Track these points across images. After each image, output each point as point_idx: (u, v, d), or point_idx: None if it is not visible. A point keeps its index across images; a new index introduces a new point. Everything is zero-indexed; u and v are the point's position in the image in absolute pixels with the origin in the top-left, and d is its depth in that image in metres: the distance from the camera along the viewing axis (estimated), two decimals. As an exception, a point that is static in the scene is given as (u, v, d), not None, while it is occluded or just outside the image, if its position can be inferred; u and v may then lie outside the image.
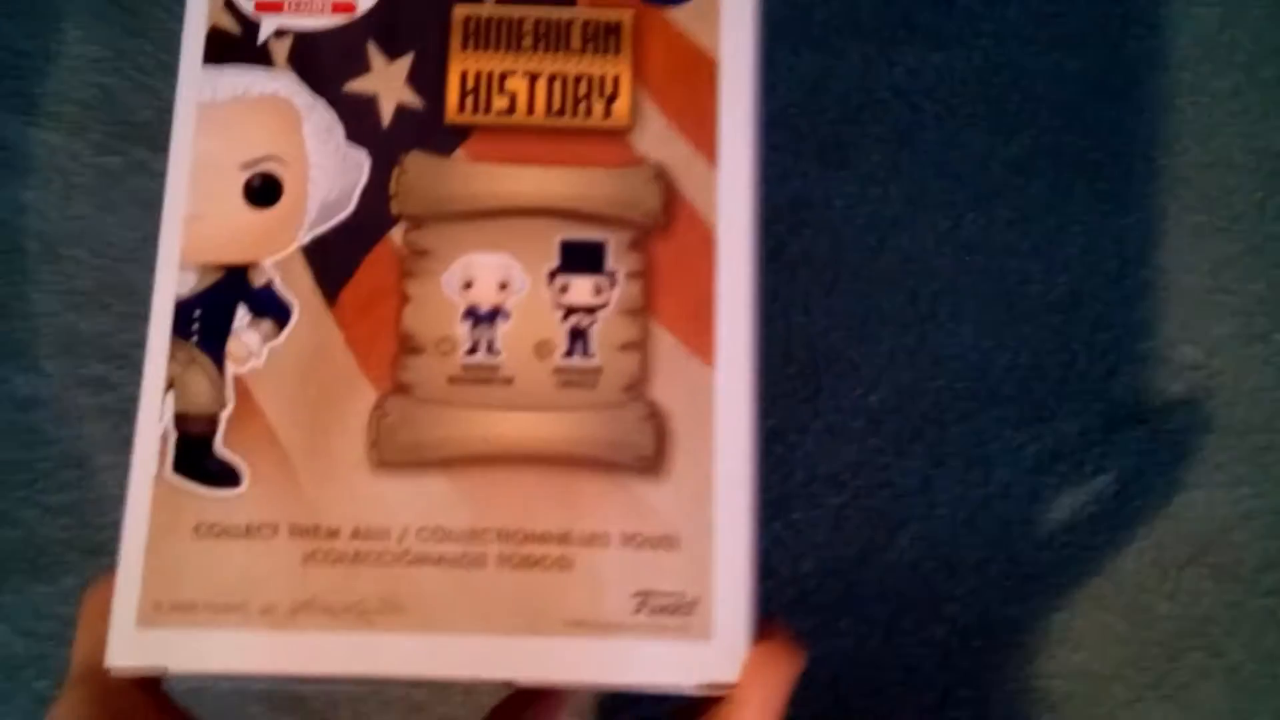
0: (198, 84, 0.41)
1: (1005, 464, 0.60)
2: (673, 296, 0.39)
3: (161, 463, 0.38)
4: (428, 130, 0.40)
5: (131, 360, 0.60)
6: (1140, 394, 0.61)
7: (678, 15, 0.41)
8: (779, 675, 0.37)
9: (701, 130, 0.41)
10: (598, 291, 0.39)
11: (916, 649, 0.58)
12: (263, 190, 0.40)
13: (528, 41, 0.41)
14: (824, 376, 0.60)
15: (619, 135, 0.40)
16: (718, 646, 0.37)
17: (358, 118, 0.40)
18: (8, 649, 0.58)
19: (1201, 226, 0.63)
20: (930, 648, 0.58)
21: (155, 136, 0.63)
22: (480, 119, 0.40)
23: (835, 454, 0.60)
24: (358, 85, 0.41)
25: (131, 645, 0.37)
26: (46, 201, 0.63)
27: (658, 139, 0.40)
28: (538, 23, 0.41)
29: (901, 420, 0.60)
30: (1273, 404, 0.60)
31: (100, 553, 0.58)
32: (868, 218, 0.62)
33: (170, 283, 0.39)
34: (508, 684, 0.39)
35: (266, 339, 0.39)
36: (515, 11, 0.41)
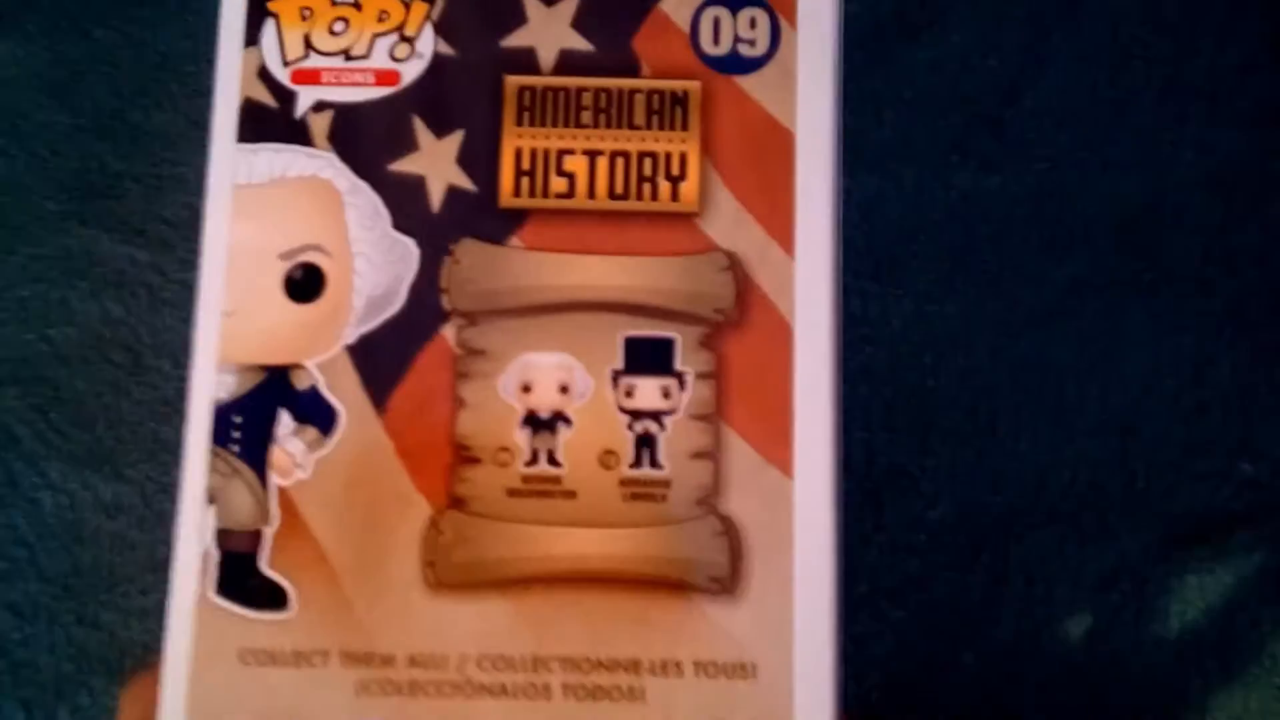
0: (232, 164, 0.39)
1: (1066, 581, 0.61)
2: (747, 400, 0.38)
3: (203, 583, 0.37)
4: (480, 215, 0.38)
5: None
6: (1201, 512, 0.61)
7: (750, 84, 0.39)
8: None
9: (777, 213, 0.38)
10: (666, 395, 0.38)
11: None
12: (304, 283, 0.38)
13: (587, 116, 0.39)
14: (885, 491, 0.61)
15: (687, 220, 0.38)
16: None
17: (405, 202, 0.38)
18: None
19: (1259, 345, 0.64)
20: None
21: None
22: (537, 202, 0.38)
23: (897, 568, 0.61)
24: (404, 165, 0.39)
25: None
26: (134, 315, 0.67)
27: (729, 223, 0.38)
28: (598, 94, 0.39)
29: (962, 536, 0.61)
30: (1334, 520, 0.58)
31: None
32: (924, 336, 0.64)
33: (208, 385, 0.38)
34: None
35: (312, 448, 0.37)
36: (573, 82, 0.39)
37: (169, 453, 0.65)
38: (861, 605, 0.60)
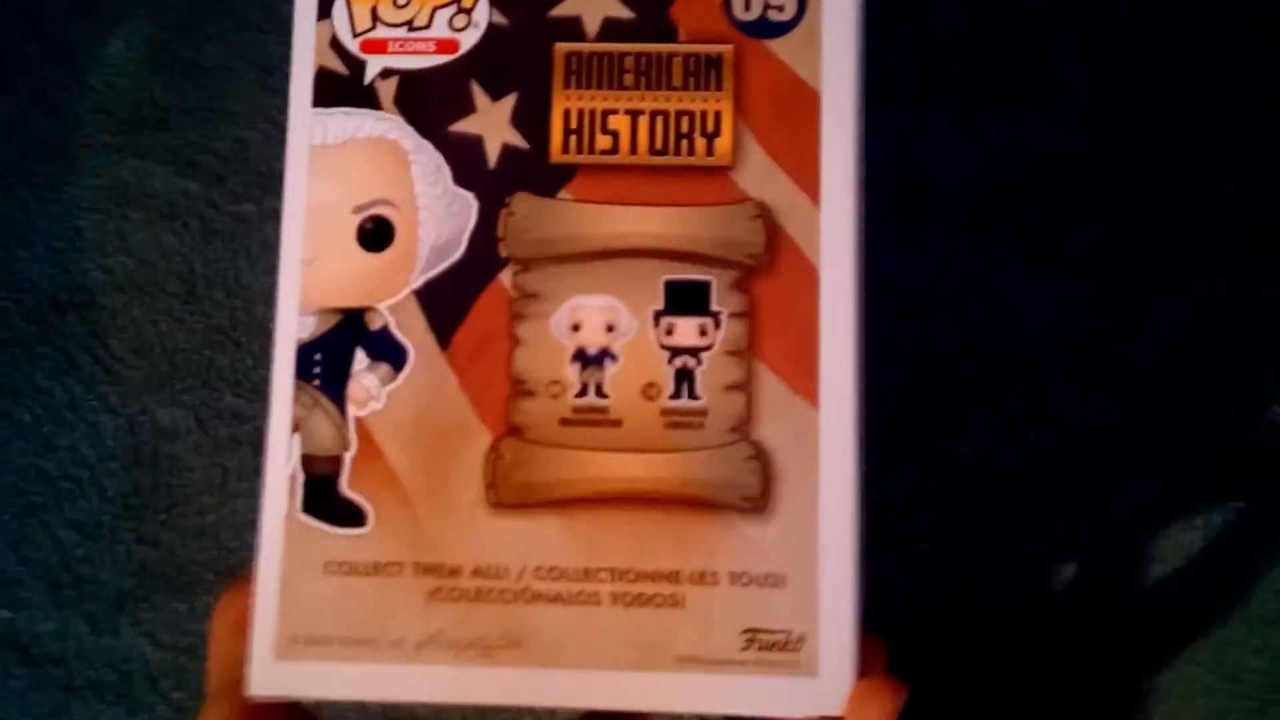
0: (308, 126, 0.43)
1: (1091, 520, 0.62)
2: (776, 337, 0.42)
3: (291, 503, 0.42)
4: (533, 171, 0.42)
5: (262, 394, 0.65)
6: (1228, 454, 0.63)
7: (778, 47, 0.43)
8: (883, 709, 0.39)
9: (804, 166, 0.42)
10: (703, 333, 0.42)
11: (1002, 698, 0.61)
12: (375, 234, 0.42)
13: (629, 78, 0.43)
14: (915, 430, 0.63)
15: (721, 173, 0.42)
16: (823, 682, 0.40)
17: (464, 159, 0.43)
18: (148, 661, 0.64)
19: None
20: (1015, 697, 0.61)
21: None
22: (584, 158, 0.42)
23: (925, 504, 0.63)
24: (463, 126, 0.43)
25: (270, 676, 0.41)
26: (187, 245, 0.68)
27: (760, 175, 0.42)
28: (639, 58, 0.43)
29: (989, 475, 0.63)
30: (1362, 466, 0.59)
31: (234, 573, 0.64)
32: (952, 283, 0.65)
33: (291, 326, 0.42)
34: (623, 714, 0.42)
35: (385, 382, 0.42)
36: (616, 48, 0.43)
37: (223, 379, 0.68)
38: (889, 538, 0.62)
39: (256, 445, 0.64)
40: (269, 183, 0.69)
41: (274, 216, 0.65)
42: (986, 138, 0.68)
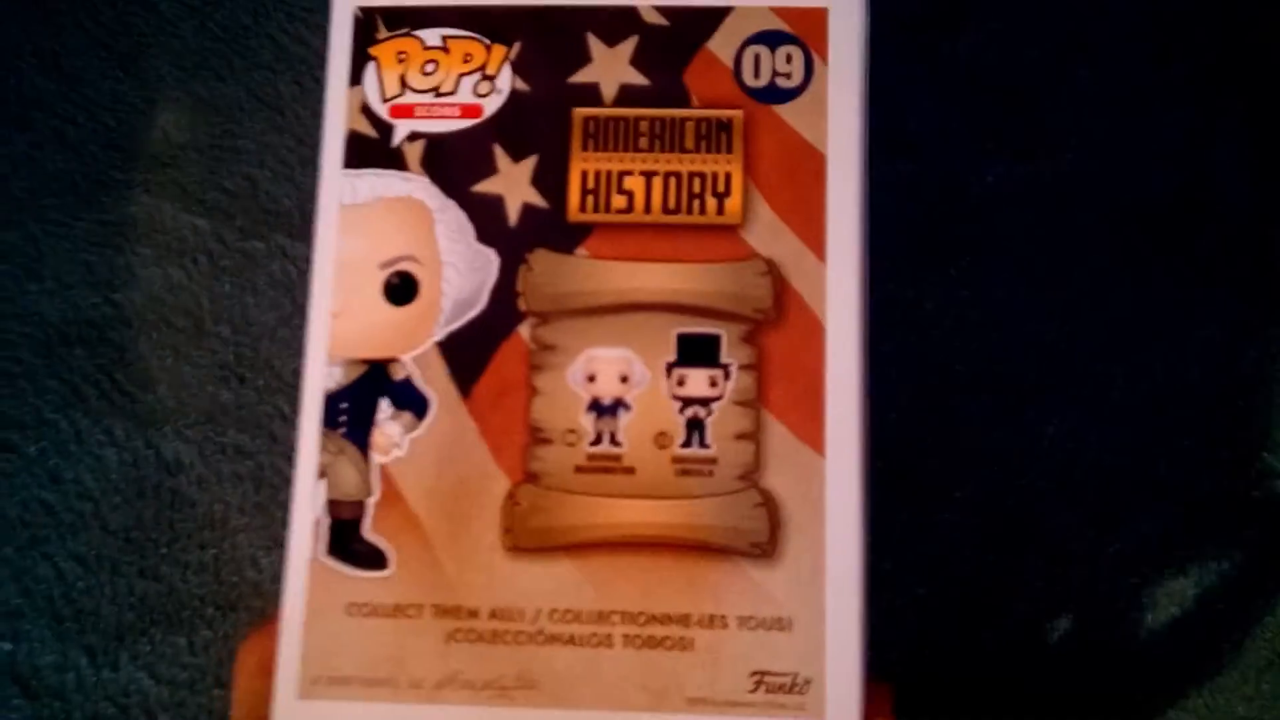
0: (339, 186, 0.45)
1: (1087, 562, 0.64)
2: (784, 388, 0.44)
3: (316, 546, 0.43)
4: (552, 229, 0.45)
5: (266, 430, 0.67)
6: (1221, 500, 0.64)
7: (786, 112, 0.45)
8: None
9: (810, 224, 0.44)
10: (713, 384, 0.44)
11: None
12: (401, 289, 0.44)
13: (644, 141, 0.45)
14: (913, 471, 0.65)
15: (731, 231, 0.44)
16: None
17: (486, 218, 0.45)
18: (146, 694, 0.65)
19: None
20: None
21: (294, 224, 0.69)
22: (600, 217, 0.45)
23: (922, 546, 0.64)
24: (486, 186, 0.45)
25: (294, 714, 0.42)
26: (195, 281, 0.70)
27: (768, 234, 0.44)
28: (653, 122, 0.45)
29: (987, 516, 0.64)
30: (1350, 514, 0.61)
31: (233, 608, 0.65)
32: (955, 320, 0.66)
33: (319, 377, 0.44)
34: None
35: (407, 430, 0.44)
36: (632, 113, 0.45)
37: (227, 415, 0.69)
38: (887, 581, 0.63)
39: (258, 481, 0.66)
40: (277, 220, 0.70)
41: (281, 254, 0.67)
42: (987, 175, 0.70)
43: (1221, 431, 0.65)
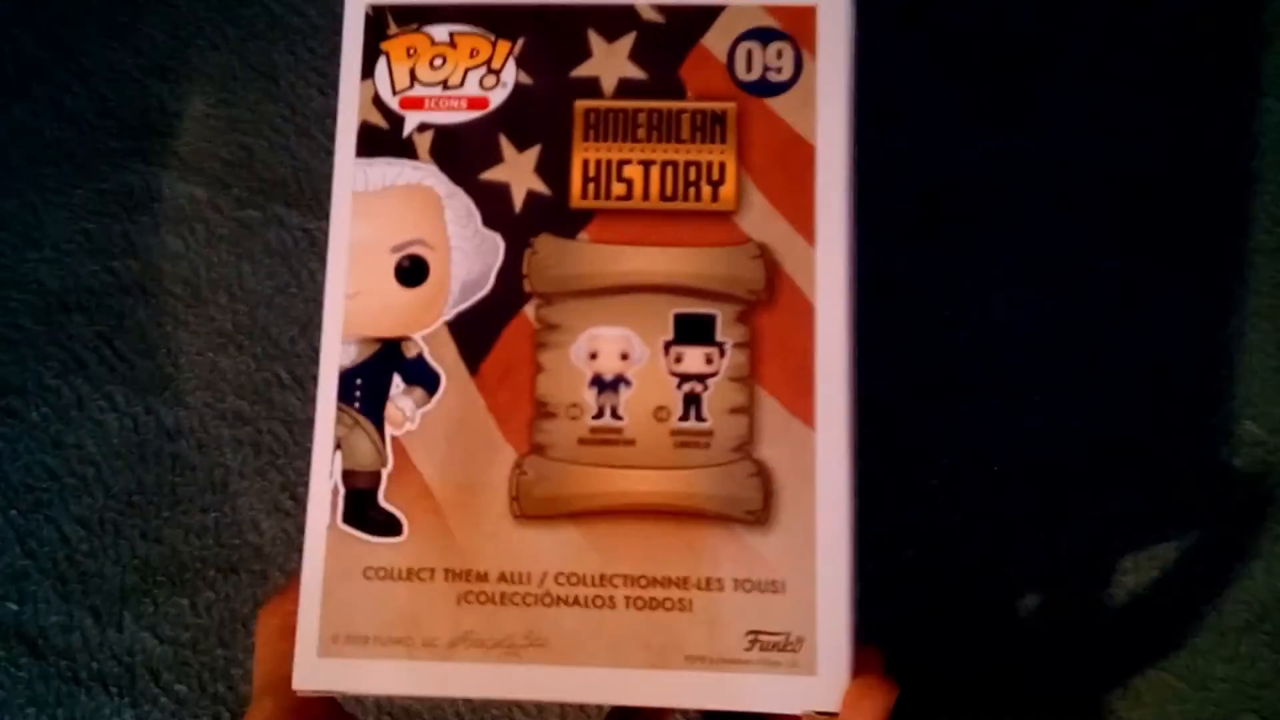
0: (352, 175, 0.48)
1: (1073, 529, 0.65)
2: (776, 364, 0.46)
3: (333, 514, 0.46)
4: (555, 214, 0.47)
5: (264, 396, 0.68)
6: (1205, 467, 0.66)
7: (777, 104, 0.48)
8: (876, 705, 0.43)
9: (800, 211, 0.47)
10: (709, 361, 0.46)
11: (983, 706, 0.64)
12: (412, 271, 0.47)
13: (642, 132, 0.48)
14: (902, 440, 0.66)
15: (725, 217, 0.47)
16: (821, 680, 0.44)
17: (493, 204, 0.47)
18: (152, 654, 0.67)
19: (1265, 308, 0.68)
20: (997, 703, 0.64)
21: (290, 193, 0.71)
22: (601, 204, 0.47)
23: (911, 512, 0.66)
24: (492, 174, 0.48)
25: (314, 671, 0.45)
26: (192, 249, 0.72)
27: (761, 219, 0.47)
28: (651, 114, 0.48)
29: (973, 484, 0.66)
30: (1331, 481, 0.63)
31: (234, 570, 0.67)
32: (945, 292, 0.68)
33: (334, 354, 0.47)
34: (637, 709, 0.47)
35: (419, 405, 0.46)
36: (631, 105, 0.48)
37: (225, 381, 0.70)
38: (874, 546, 0.64)
39: (257, 446, 0.67)
40: (273, 189, 0.72)
41: (278, 222, 0.69)
42: (972, 152, 0.71)
43: (1205, 401, 0.67)
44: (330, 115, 0.69)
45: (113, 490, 0.69)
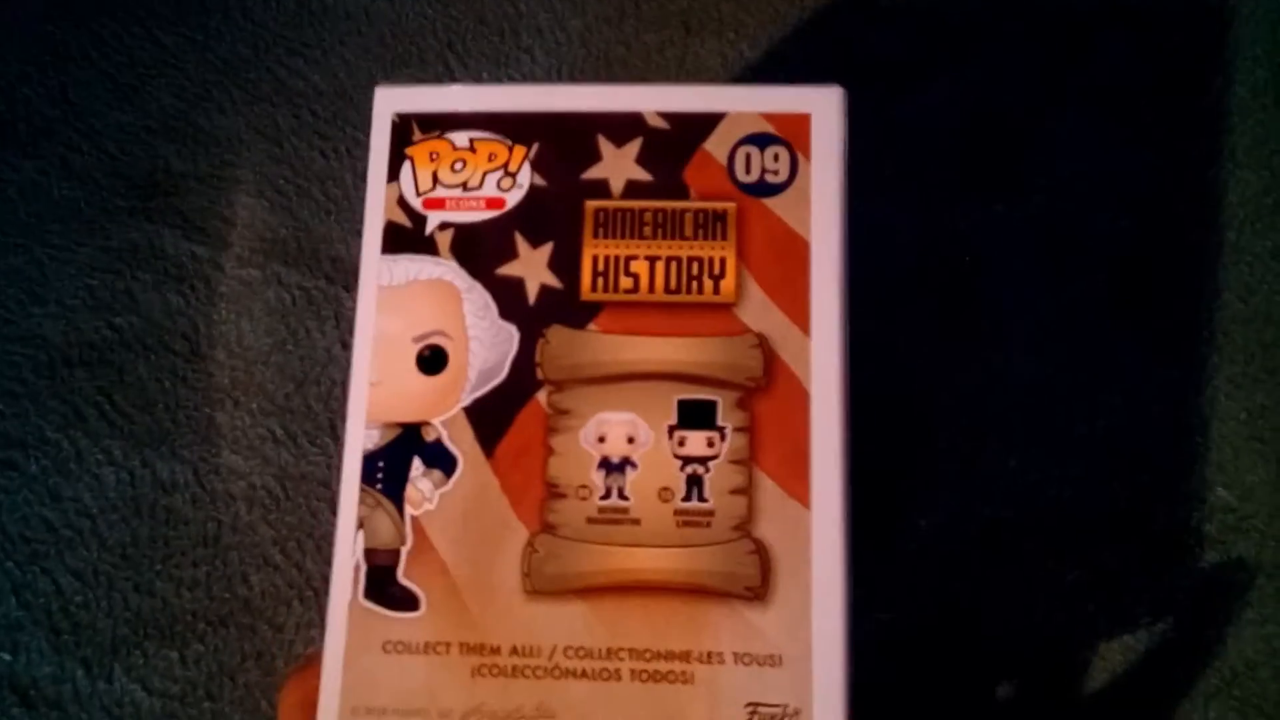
0: (377, 270, 0.51)
1: (1047, 592, 0.67)
2: (773, 448, 0.49)
3: (355, 590, 0.48)
4: (566, 307, 0.50)
5: (258, 452, 0.70)
6: (1176, 533, 0.68)
7: (774, 204, 0.51)
8: None
9: (796, 303, 0.50)
10: (710, 444, 0.49)
11: None
12: (432, 360, 0.50)
13: (648, 230, 0.50)
14: (879, 502, 0.68)
15: (726, 309, 0.50)
16: None
17: (508, 297, 0.50)
18: (140, 706, 0.69)
19: (1239, 377, 0.70)
20: None
21: (290, 253, 0.73)
22: (609, 297, 0.50)
23: (887, 574, 0.68)
24: (508, 269, 0.50)
25: None
26: (193, 306, 0.74)
27: (759, 311, 0.50)
28: (656, 213, 0.51)
29: (950, 546, 0.68)
30: (1299, 549, 0.65)
31: (224, 624, 0.69)
32: (926, 356, 0.70)
33: (359, 438, 0.49)
34: None
35: (437, 486, 0.49)
36: (637, 205, 0.51)
37: (221, 436, 0.72)
38: (873, 607, 0.67)
39: (250, 500, 0.69)
40: (273, 249, 0.74)
41: (277, 282, 0.71)
42: (958, 217, 0.73)
43: (1178, 467, 0.68)
44: (331, 177, 0.72)
45: (107, 543, 0.71)
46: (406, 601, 0.48)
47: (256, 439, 0.72)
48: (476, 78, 0.77)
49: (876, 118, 0.74)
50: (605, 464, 0.49)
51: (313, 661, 0.49)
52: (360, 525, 0.49)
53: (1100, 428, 0.70)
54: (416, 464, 0.49)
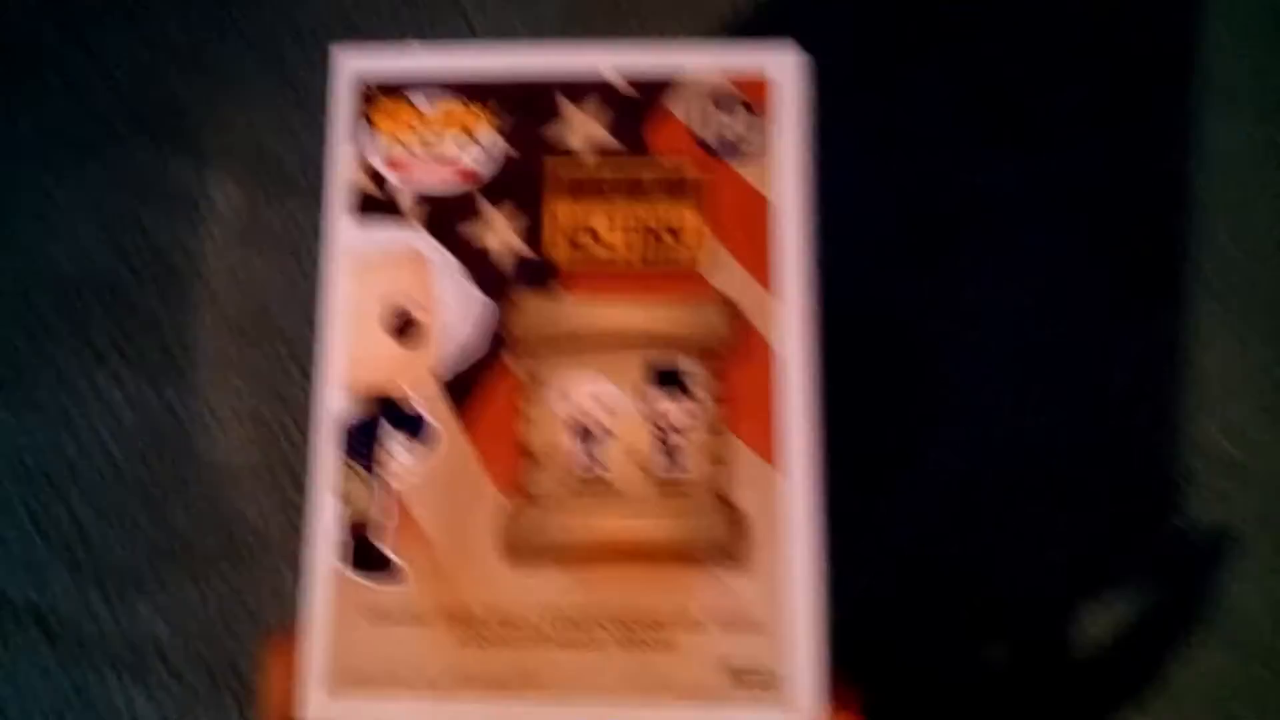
0: (343, 237, 0.51)
1: (1053, 543, 0.68)
2: (746, 412, 0.49)
3: (336, 560, 0.49)
4: (536, 274, 0.50)
5: (270, 384, 0.71)
6: (1176, 482, 0.68)
7: (739, 166, 0.51)
8: None
9: (762, 266, 0.50)
10: (684, 410, 0.49)
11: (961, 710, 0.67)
12: (404, 329, 0.50)
13: (612, 192, 0.51)
14: (896, 459, 0.69)
15: (693, 272, 0.50)
16: (799, 714, 0.47)
17: (476, 263, 0.50)
18: (155, 632, 0.69)
19: (1236, 323, 0.70)
20: (975, 707, 0.67)
21: (298, 186, 0.73)
22: (579, 264, 0.50)
23: (900, 529, 0.68)
24: (475, 235, 0.51)
25: (323, 710, 0.48)
26: (205, 241, 0.74)
27: (726, 275, 0.50)
28: (620, 175, 0.51)
29: (960, 501, 0.68)
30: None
31: (239, 555, 0.70)
32: (933, 317, 0.71)
33: (333, 410, 0.50)
34: None
35: (414, 455, 0.49)
36: (604, 171, 0.51)
37: (233, 369, 0.72)
38: (866, 561, 0.67)
39: (264, 436, 0.70)
40: (281, 181, 0.74)
41: (288, 216, 0.71)
42: (973, 177, 0.73)
43: (1174, 413, 0.69)
44: None
45: (124, 475, 0.71)
46: (388, 571, 0.49)
47: (268, 372, 0.72)
48: (435, 38, 0.76)
49: (906, 80, 0.73)
50: (579, 430, 0.49)
51: (293, 633, 0.49)
52: (338, 496, 0.49)
53: (1107, 386, 0.70)
54: (392, 433, 0.50)
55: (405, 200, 0.51)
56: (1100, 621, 0.67)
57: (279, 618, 0.70)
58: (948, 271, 0.71)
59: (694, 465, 0.49)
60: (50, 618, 0.70)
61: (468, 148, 0.51)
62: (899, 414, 0.70)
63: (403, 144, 0.52)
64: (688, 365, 0.49)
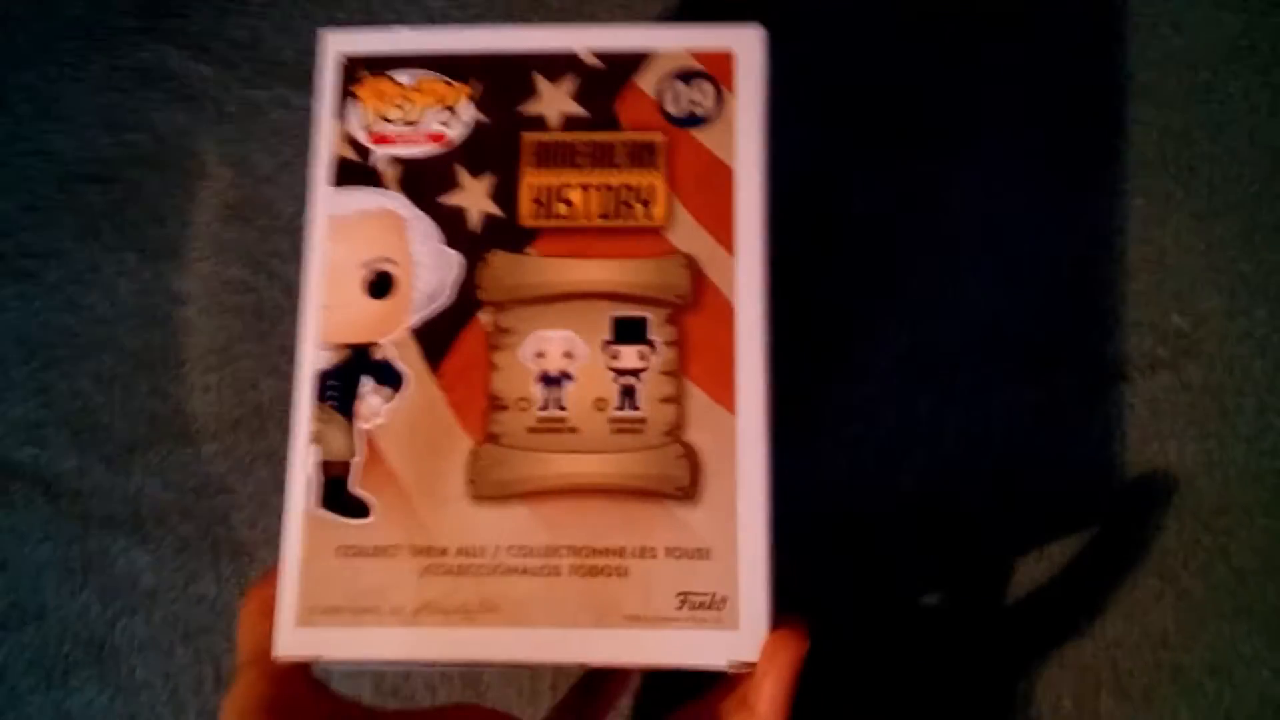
0: (327, 201, 0.53)
1: (1007, 410, 0.69)
2: (701, 359, 0.51)
3: (310, 499, 0.51)
4: (506, 233, 0.53)
5: (265, 267, 0.73)
6: (1131, 355, 0.70)
7: (701, 134, 0.53)
8: (790, 654, 0.48)
9: (721, 226, 0.52)
10: (642, 357, 0.52)
11: (915, 569, 0.69)
12: (379, 284, 0.52)
13: (583, 160, 0.53)
14: (855, 325, 0.70)
15: (656, 232, 0.52)
16: (743, 634, 0.49)
17: (451, 225, 0.53)
18: (158, 500, 0.71)
19: (1201, 211, 0.71)
20: (928, 566, 0.69)
21: (294, 75, 0.75)
22: (546, 223, 0.53)
23: (857, 392, 0.70)
24: (450, 199, 0.53)
25: (293, 639, 0.49)
26: (202, 126, 0.75)
27: (687, 234, 0.52)
28: (590, 145, 0.53)
29: (917, 366, 0.70)
30: (1244, 371, 0.69)
31: (236, 425, 0.72)
32: (899, 192, 0.72)
33: (311, 358, 0.52)
34: (582, 666, 0.52)
35: (386, 401, 0.52)
36: (573, 137, 0.53)
37: (229, 251, 0.74)
38: (826, 426, 0.68)
39: (258, 312, 0.72)
40: (278, 71, 0.75)
41: (283, 103, 0.75)
42: (940, 55, 0.74)
43: (1135, 295, 0.71)
44: (338, 3, 0.74)
45: (124, 348, 0.73)
46: (358, 509, 0.51)
47: (263, 254, 0.74)
48: (417, 21, 0.79)
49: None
50: (544, 378, 0.52)
51: (272, 572, 0.51)
52: (314, 439, 0.52)
53: (1065, 258, 0.71)
54: (366, 381, 0.52)
55: (385, 168, 0.53)
56: (1045, 564, 0.69)
57: (271, 477, 0.72)
58: (902, 150, 0.73)
59: (649, 406, 0.51)
60: (51, 478, 0.72)
61: (446, 120, 0.54)
62: (861, 278, 0.71)
63: (386, 118, 0.54)
64: (648, 315, 0.52)
